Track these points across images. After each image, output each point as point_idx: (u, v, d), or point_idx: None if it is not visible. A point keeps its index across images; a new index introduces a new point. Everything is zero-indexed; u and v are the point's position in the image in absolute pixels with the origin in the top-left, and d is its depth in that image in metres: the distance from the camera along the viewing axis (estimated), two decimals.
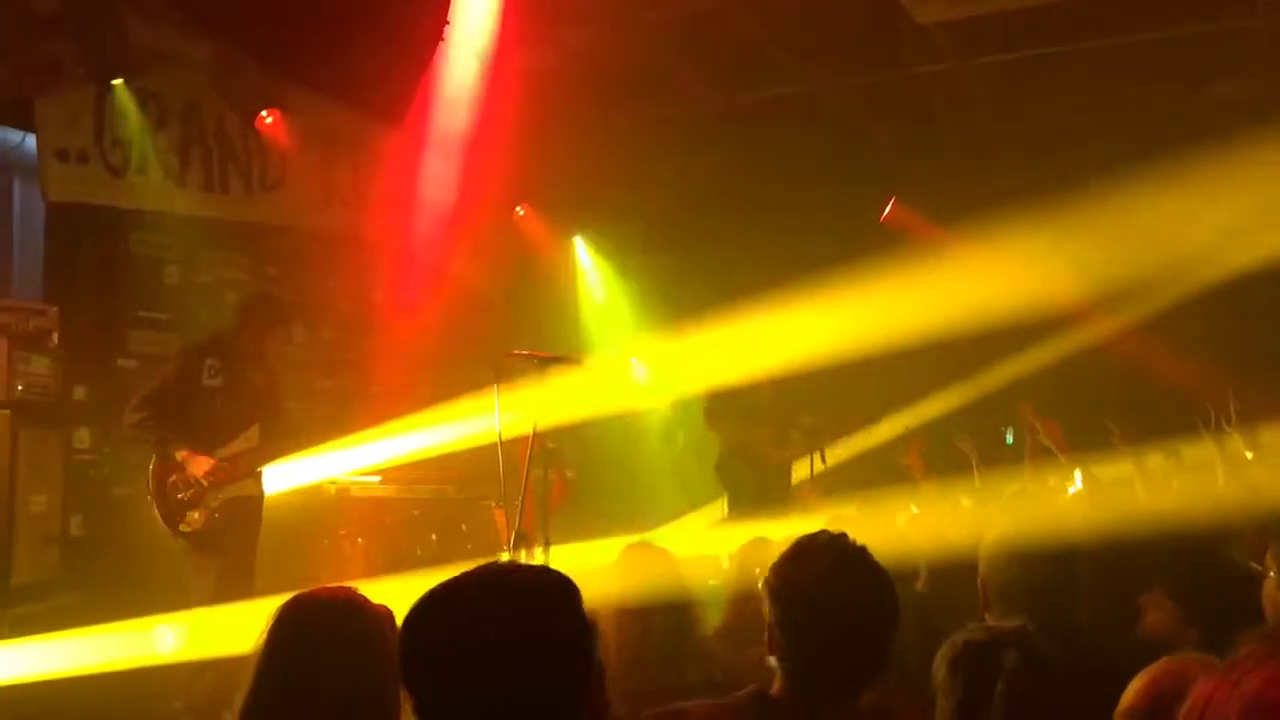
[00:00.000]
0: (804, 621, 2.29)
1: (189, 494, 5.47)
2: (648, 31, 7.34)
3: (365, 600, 2.40)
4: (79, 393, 6.11)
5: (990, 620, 2.84)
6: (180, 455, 5.48)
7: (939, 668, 2.26)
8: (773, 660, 2.35)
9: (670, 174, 9.09)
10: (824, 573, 2.31)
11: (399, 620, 1.84)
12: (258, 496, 5.74)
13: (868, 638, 2.29)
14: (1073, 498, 4.85)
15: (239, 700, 2.33)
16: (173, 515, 5.45)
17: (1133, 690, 2.03)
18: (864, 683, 2.32)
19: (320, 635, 2.31)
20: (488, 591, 1.74)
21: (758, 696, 2.32)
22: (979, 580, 2.98)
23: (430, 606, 1.75)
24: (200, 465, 5.48)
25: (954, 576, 3.85)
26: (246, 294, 6.64)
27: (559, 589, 1.78)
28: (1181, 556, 3.18)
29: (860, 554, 2.36)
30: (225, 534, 5.52)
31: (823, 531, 2.42)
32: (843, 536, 2.40)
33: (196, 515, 5.47)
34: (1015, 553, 2.87)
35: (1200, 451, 4.97)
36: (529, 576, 1.83)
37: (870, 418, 7.27)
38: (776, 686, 2.34)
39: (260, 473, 5.75)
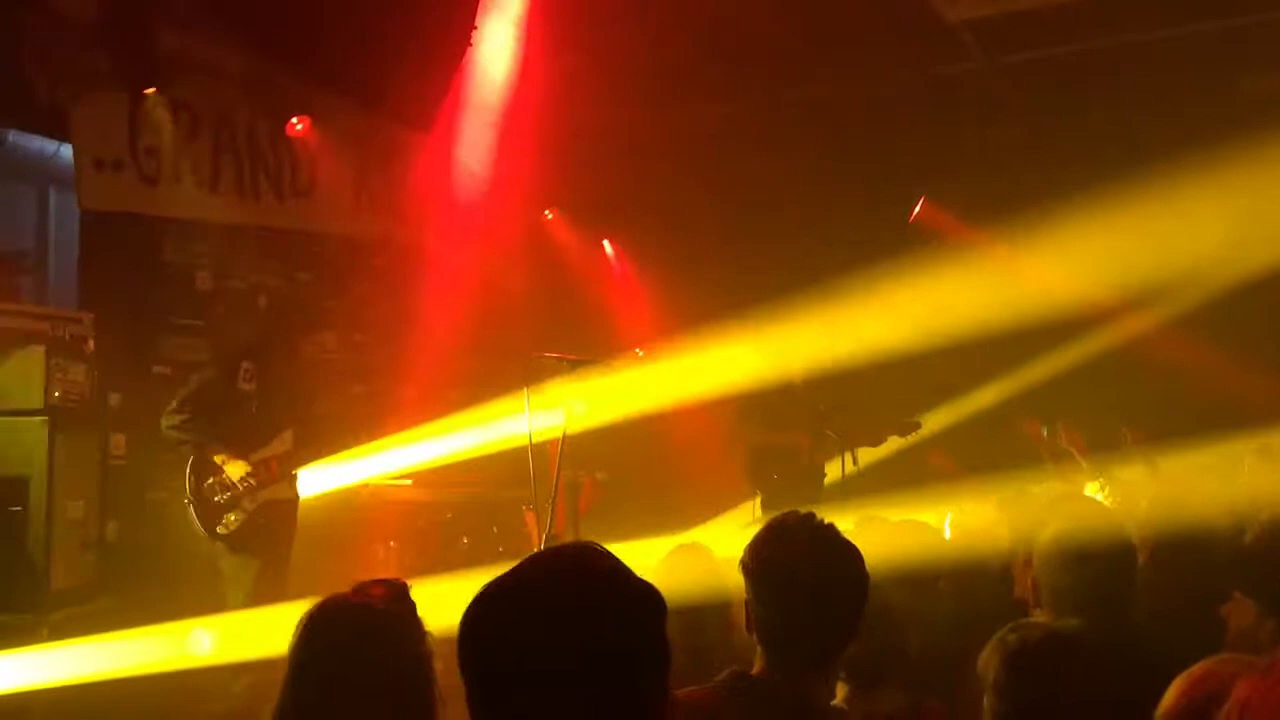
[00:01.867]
0: (781, 597, 2.36)
1: (226, 497, 5.55)
2: (675, 33, 7.34)
3: (390, 598, 2.39)
4: (114, 399, 6.17)
5: (1040, 618, 2.83)
6: (218, 458, 5.56)
7: (990, 665, 2.26)
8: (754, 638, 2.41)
9: (698, 176, 9.08)
10: (798, 550, 2.38)
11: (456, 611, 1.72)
12: (293, 499, 5.82)
13: (841, 611, 2.36)
14: (1124, 497, 4.80)
15: (273, 703, 2.34)
16: (210, 518, 5.53)
17: (1173, 692, 2.01)
18: (837, 655, 2.39)
19: (349, 636, 2.31)
20: (562, 603, 1.57)
21: (739, 676, 2.37)
22: (1030, 579, 2.96)
23: (492, 607, 1.60)
24: (237, 468, 5.55)
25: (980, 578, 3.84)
26: (279, 299, 6.72)
27: (646, 603, 1.64)
28: (1248, 550, 3.14)
29: (831, 532, 2.43)
30: (261, 536, 5.60)
31: (793, 512, 2.49)
32: (813, 515, 2.46)
33: (233, 518, 5.55)
34: (1072, 552, 2.85)
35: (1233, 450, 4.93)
36: (612, 588, 1.63)
37: (903, 417, 7.20)
38: (758, 666, 2.38)
39: (295, 475, 5.82)
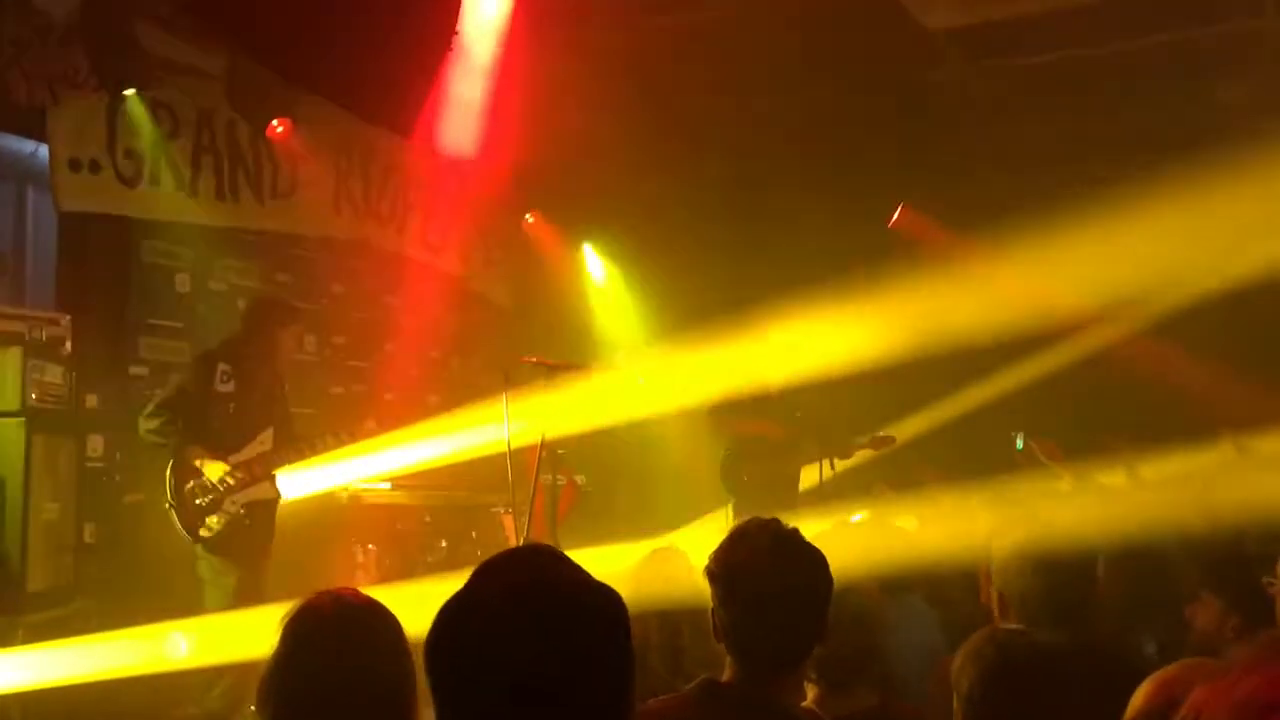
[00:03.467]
0: (747, 600, 2.39)
1: (207, 500, 5.57)
2: (655, 37, 7.37)
3: (373, 602, 2.42)
4: (91, 401, 6.14)
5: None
6: (197, 461, 5.58)
7: (964, 675, 2.29)
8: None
9: (678, 180, 9.11)
10: (763, 554, 2.42)
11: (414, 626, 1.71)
12: (274, 499, 5.86)
13: (805, 615, 2.39)
14: (1081, 504, 4.86)
15: (252, 706, 2.35)
16: (192, 521, 5.55)
17: (1140, 695, 2.05)
18: (804, 658, 2.42)
19: (330, 638, 2.32)
20: (524, 616, 1.56)
21: (708, 684, 2.40)
22: (995, 590, 2.99)
23: (455, 623, 1.60)
24: (216, 470, 5.58)
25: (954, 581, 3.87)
26: (253, 298, 6.71)
27: (607, 610, 1.62)
28: (1212, 549, 3.19)
29: (794, 536, 2.46)
30: (243, 538, 5.63)
31: (755, 519, 2.52)
32: (776, 521, 2.50)
33: (216, 520, 5.57)
34: (1032, 561, 2.88)
35: (1200, 458, 4.99)
36: (574, 598, 1.62)
37: (876, 432, 7.25)
38: (727, 673, 2.41)
39: (274, 476, 5.85)
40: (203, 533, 5.55)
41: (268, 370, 5.95)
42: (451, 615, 1.60)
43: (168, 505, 5.55)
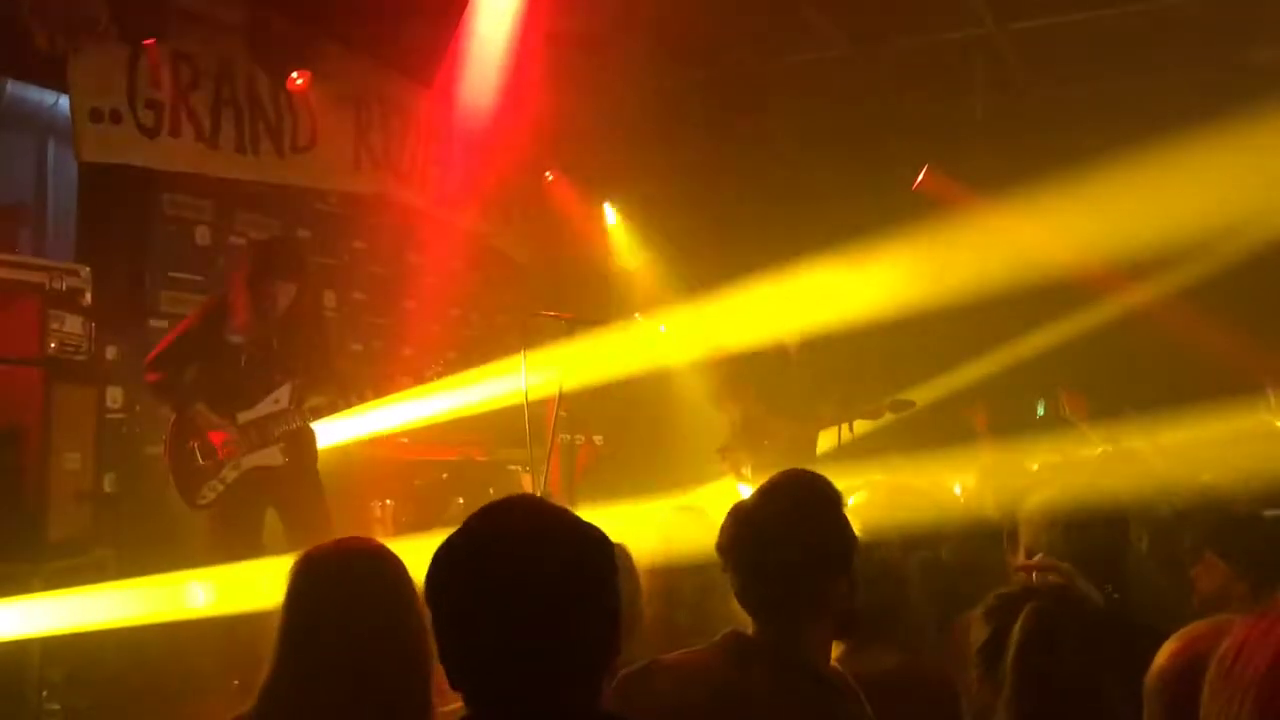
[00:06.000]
0: (744, 560, 2.38)
1: (207, 464, 5.26)
2: None
3: (381, 547, 2.42)
4: (111, 352, 6.14)
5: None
6: (200, 420, 5.27)
7: (976, 624, 2.27)
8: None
9: (701, 138, 9.04)
10: (765, 507, 2.41)
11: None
12: (281, 466, 5.42)
13: (810, 570, 2.35)
14: (1109, 463, 4.81)
15: (267, 655, 2.35)
16: (189, 486, 5.28)
17: (1166, 652, 2.00)
18: (818, 614, 2.37)
19: (338, 584, 2.32)
20: (520, 548, 1.67)
21: (733, 636, 2.39)
22: (1022, 548, 2.96)
23: (457, 554, 1.70)
24: (220, 431, 5.24)
25: (980, 543, 3.84)
26: (256, 241, 6.44)
27: (598, 552, 1.72)
28: (1224, 514, 3.16)
29: (823, 488, 2.45)
30: (243, 508, 5.30)
31: (785, 472, 2.51)
32: (790, 477, 2.48)
33: (212, 486, 5.27)
34: (1062, 519, 2.84)
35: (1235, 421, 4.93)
36: (567, 538, 1.72)
37: (898, 389, 7.21)
38: (753, 628, 2.40)
39: (291, 438, 5.44)
40: (200, 501, 5.26)
41: (288, 319, 5.45)
42: (448, 553, 1.69)
43: (164, 463, 5.29)
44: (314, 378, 5.63)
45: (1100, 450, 5.02)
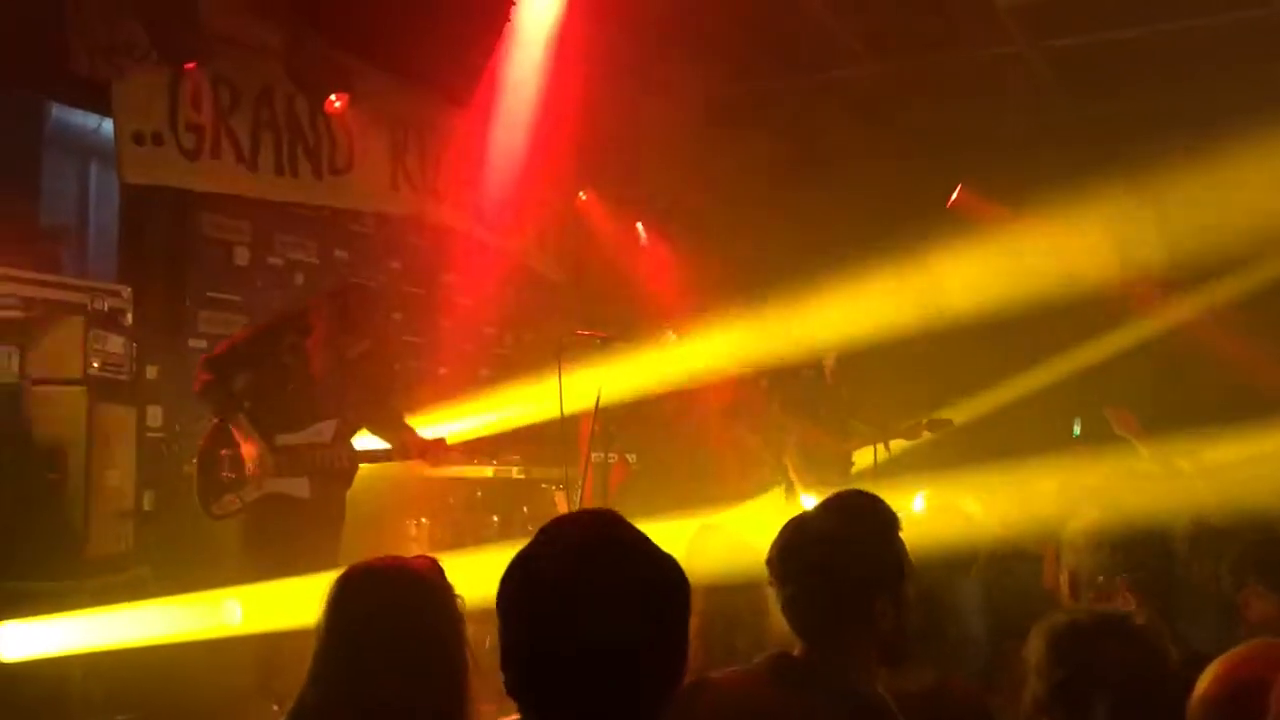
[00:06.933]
0: (792, 579, 2.38)
1: (231, 477, 5.17)
2: (711, 13, 7.30)
3: (423, 564, 2.42)
4: (151, 371, 6.20)
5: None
6: (237, 433, 5.16)
7: (1035, 648, 2.24)
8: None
9: (734, 157, 9.05)
10: (835, 524, 2.41)
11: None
12: (306, 499, 5.28)
13: (852, 590, 2.34)
14: (1149, 483, 4.75)
15: (305, 672, 2.37)
16: (208, 493, 5.19)
17: (1210, 676, 1.97)
18: (859, 635, 2.36)
19: (380, 600, 2.33)
20: (592, 574, 1.63)
21: (779, 657, 2.38)
22: (1068, 570, 2.92)
23: (525, 576, 1.66)
24: (250, 449, 5.14)
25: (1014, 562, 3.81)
26: (340, 283, 6.23)
27: (672, 574, 1.69)
28: (1270, 542, 3.10)
29: (878, 508, 2.44)
30: (257, 529, 5.22)
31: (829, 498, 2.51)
32: (842, 497, 2.49)
33: (228, 500, 5.18)
34: (1109, 540, 2.81)
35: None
36: (639, 559, 1.68)
37: (934, 414, 7.14)
38: (798, 648, 2.39)
39: (323, 471, 5.29)
40: (215, 510, 5.19)
41: (355, 365, 5.35)
42: (521, 569, 1.66)
43: (192, 462, 5.25)
44: (371, 423, 5.58)
45: (1147, 468, 4.95)
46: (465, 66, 6.94)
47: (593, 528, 1.70)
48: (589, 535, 1.68)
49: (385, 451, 5.56)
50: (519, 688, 1.63)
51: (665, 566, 1.68)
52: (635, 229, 9.83)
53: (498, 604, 1.66)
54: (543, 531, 1.70)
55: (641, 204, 9.67)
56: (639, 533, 1.71)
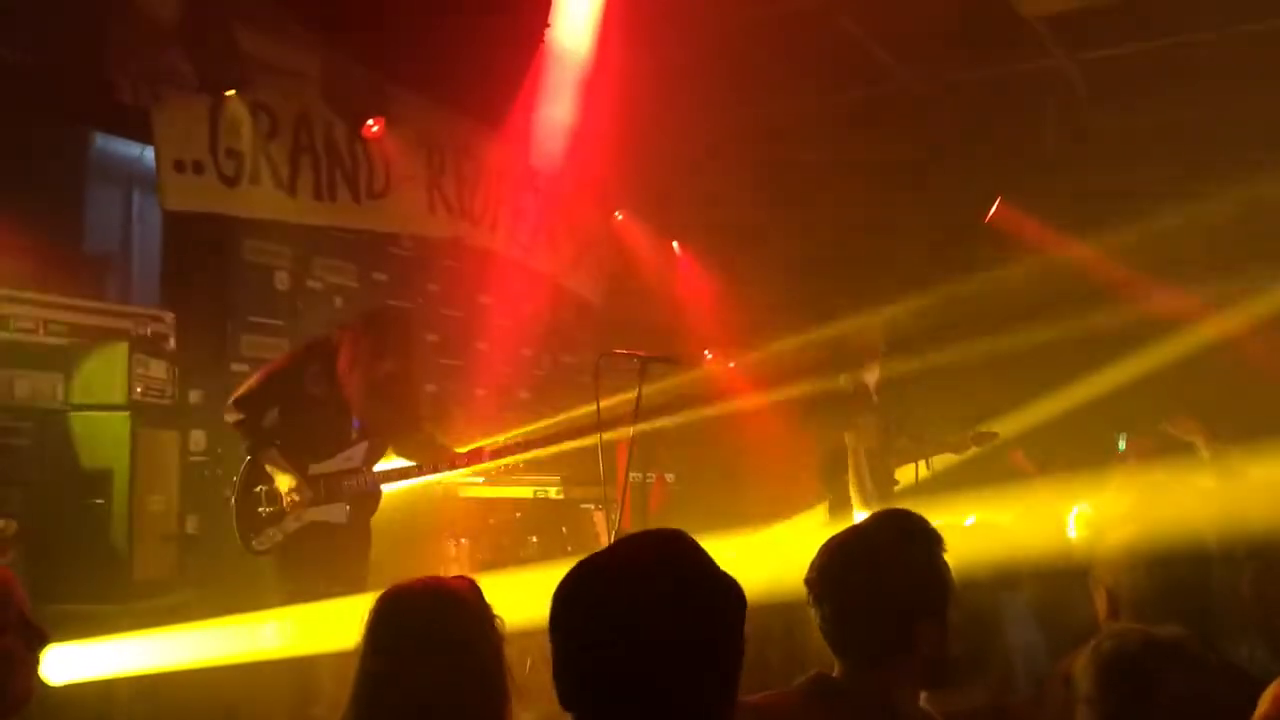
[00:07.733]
0: (837, 595, 2.36)
1: (270, 510, 5.19)
2: (746, 32, 7.31)
3: (461, 585, 2.42)
4: (194, 396, 6.28)
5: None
6: (269, 466, 5.20)
7: (1084, 674, 2.19)
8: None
9: (769, 176, 9.04)
10: (873, 544, 2.39)
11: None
12: (344, 525, 5.30)
13: (885, 611, 2.31)
14: (1194, 498, 4.66)
15: (346, 694, 2.36)
16: (248, 529, 5.20)
17: (1270, 698, 1.92)
18: (901, 653, 2.32)
19: (420, 622, 2.33)
20: (658, 589, 1.66)
21: (819, 679, 2.36)
22: (1104, 589, 2.87)
23: (588, 584, 1.69)
24: (287, 480, 5.17)
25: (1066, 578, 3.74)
26: (369, 309, 6.25)
27: (733, 593, 1.71)
28: None
29: (920, 527, 2.41)
30: (296, 565, 5.20)
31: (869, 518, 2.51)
32: (895, 512, 2.48)
33: (271, 534, 5.19)
34: (1148, 557, 2.76)
35: None
36: (705, 578, 1.71)
37: (979, 428, 7.06)
38: (837, 669, 2.36)
39: (358, 496, 5.33)
40: (256, 545, 5.19)
41: (383, 387, 5.31)
42: (586, 577, 1.69)
43: (231, 500, 5.26)
44: (398, 444, 5.58)
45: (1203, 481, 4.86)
46: (501, 89, 6.98)
47: (659, 545, 1.73)
48: (656, 553, 1.71)
49: (416, 467, 5.56)
50: (574, 701, 1.64)
51: (726, 585, 1.71)
52: (671, 248, 9.83)
53: (554, 616, 1.68)
54: (614, 544, 1.76)
55: (679, 223, 9.66)
56: (704, 552, 1.74)
